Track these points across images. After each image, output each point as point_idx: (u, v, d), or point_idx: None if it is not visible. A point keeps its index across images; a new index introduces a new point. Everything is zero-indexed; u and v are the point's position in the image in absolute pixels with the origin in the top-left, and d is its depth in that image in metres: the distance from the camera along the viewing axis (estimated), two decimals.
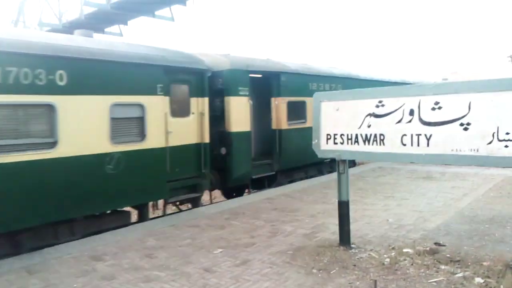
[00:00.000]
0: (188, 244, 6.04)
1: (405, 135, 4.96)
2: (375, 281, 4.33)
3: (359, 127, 5.37)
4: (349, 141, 5.47)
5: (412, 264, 4.91)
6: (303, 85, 11.64)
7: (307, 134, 10.31)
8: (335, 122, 5.60)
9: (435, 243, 5.62)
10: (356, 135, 5.40)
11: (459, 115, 4.54)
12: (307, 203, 8.45)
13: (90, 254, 5.72)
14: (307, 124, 10.81)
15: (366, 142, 5.32)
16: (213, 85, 9.32)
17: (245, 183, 10.60)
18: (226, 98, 9.52)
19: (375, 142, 5.25)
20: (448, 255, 5.15)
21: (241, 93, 9.74)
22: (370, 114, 5.30)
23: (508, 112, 4.25)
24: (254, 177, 10.26)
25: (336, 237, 5.85)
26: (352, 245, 5.60)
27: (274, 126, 10.83)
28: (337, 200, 5.79)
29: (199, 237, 6.34)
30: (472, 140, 4.43)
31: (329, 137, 5.67)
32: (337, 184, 5.72)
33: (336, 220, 5.92)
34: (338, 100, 5.65)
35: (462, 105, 4.51)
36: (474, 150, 4.43)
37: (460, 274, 4.58)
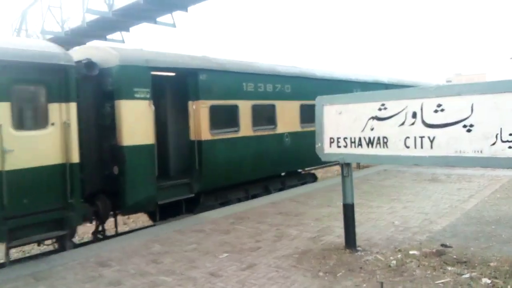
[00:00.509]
0: (194, 249, 6.05)
1: (408, 137, 4.97)
2: (382, 283, 4.33)
3: (362, 130, 5.38)
4: (353, 144, 5.49)
5: (418, 266, 4.90)
6: (234, 85, 9.54)
7: (241, 145, 9.47)
8: (338, 126, 5.62)
9: (442, 245, 5.61)
10: (360, 138, 5.41)
11: (462, 117, 4.54)
12: (312, 207, 8.45)
13: (96, 260, 5.75)
14: (241, 133, 9.54)
15: (370, 145, 5.33)
16: (102, 87, 7.59)
17: (148, 210, 8.57)
18: (117, 103, 7.44)
19: (378, 145, 5.26)
20: (454, 257, 5.13)
21: (137, 95, 7.61)
22: (373, 117, 5.31)
23: (511, 113, 4.25)
24: (161, 202, 8.06)
25: (341, 240, 5.85)
26: (358, 248, 5.60)
27: (192, 137, 8.68)
28: (342, 203, 5.80)
29: (204, 242, 6.35)
30: (476, 142, 4.43)
31: (332, 140, 5.69)
32: (342, 187, 5.73)
33: (341, 223, 5.92)
34: (341, 104, 5.67)
35: (464, 107, 4.52)
36: (478, 151, 4.43)
37: (467, 275, 4.57)
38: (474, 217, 7.05)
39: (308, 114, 9.27)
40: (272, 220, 7.49)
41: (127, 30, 17.36)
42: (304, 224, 7.11)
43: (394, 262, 5.07)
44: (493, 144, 4.33)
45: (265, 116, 10.49)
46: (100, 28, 16.55)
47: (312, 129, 7.95)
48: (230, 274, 5.01)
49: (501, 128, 4.29)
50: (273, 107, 10.54)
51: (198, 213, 8.47)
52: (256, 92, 10.12)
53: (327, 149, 5.72)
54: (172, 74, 8.89)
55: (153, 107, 7.84)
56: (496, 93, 4.35)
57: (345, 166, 5.64)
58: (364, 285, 4.49)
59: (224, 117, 9.38)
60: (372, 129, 5.28)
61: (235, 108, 9.50)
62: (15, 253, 7.84)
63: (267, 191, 10.68)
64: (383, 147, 5.18)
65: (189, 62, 8.83)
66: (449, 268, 4.79)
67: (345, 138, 5.53)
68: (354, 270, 4.91)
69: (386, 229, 6.56)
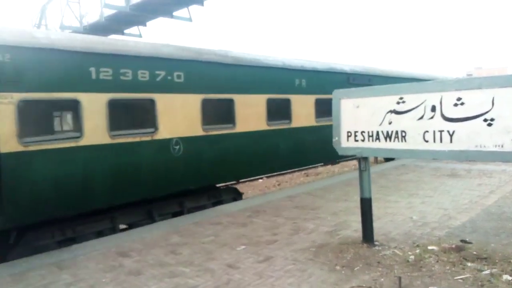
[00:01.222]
0: (211, 241, 6.14)
1: (427, 131, 4.92)
2: (400, 277, 4.32)
3: (380, 124, 5.35)
4: (370, 138, 5.46)
5: (437, 261, 4.87)
6: (67, 70, 6.44)
7: (78, 157, 6.37)
8: (356, 119, 5.59)
9: (461, 241, 5.55)
10: (377, 132, 5.38)
11: (483, 111, 4.47)
12: (328, 201, 8.45)
13: (116, 250, 5.89)
14: (83, 142, 6.51)
15: (388, 139, 5.30)
16: None
17: None
18: None
19: (396, 139, 5.22)
20: (474, 252, 5.08)
21: None
22: (391, 111, 5.27)
23: None
24: None
25: (359, 234, 5.85)
26: (376, 243, 5.59)
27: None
28: (359, 198, 5.79)
29: (222, 234, 6.43)
30: (497, 136, 4.36)
31: (349, 134, 5.67)
32: (359, 181, 5.72)
33: (358, 218, 5.92)
34: (358, 97, 5.64)
35: (485, 101, 4.45)
36: (499, 146, 4.36)
37: (487, 271, 4.52)
38: (494, 213, 6.94)
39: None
40: (289, 214, 7.52)
41: (144, 24, 17.54)
42: (321, 218, 7.12)
43: (412, 257, 5.05)
44: None
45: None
46: (118, 22, 16.77)
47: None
48: (247, 266, 5.07)
49: None
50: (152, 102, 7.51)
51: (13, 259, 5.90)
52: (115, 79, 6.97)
53: (344, 143, 5.70)
54: None
55: None
56: None
57: (363, 160, 5.62)
58: (382, 279, 4.49)
59: (48, 117, 6.89)
60: (390, 123, 5.24)
61: (75, 104, 6.53)
62: None
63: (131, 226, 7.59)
64: (401, 141, 5.14)
65: None
66: (469, 264, 4.74)
67: (362, 132, 5.51)
68: (371, 264, 4.91)
69: (404, 224, 6.52)
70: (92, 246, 6.17)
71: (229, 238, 6.21)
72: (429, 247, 5.30)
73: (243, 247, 5.79)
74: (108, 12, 15.86)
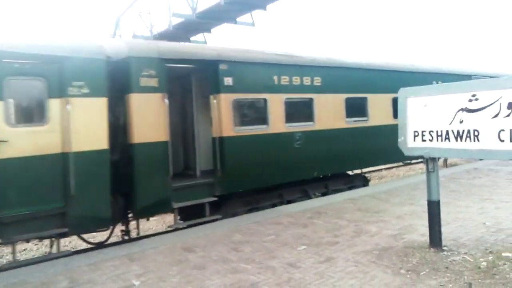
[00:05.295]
0: (272, 240, 6.20)
1: (503, 130, 4.60)
2: (470, 284, 4.08)
3: (450, 123, 5.10)
4: (439, 138, 5.22)
5: None
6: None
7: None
8: (423, 119, 5.38)
9: None
10: (447, 132, 5.13)
11: None
12: (393, 205, 8.16)
13: (182, 245, 6.16)
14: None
15: (458, 139, 5.03)
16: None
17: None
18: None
19: (468, 139, 4.94)
20: None
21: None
22: (462, 109, 5.01)
23: None
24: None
25: (425, 239, 5.60)
26: (444, 248, 5.31)
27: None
28: (426, 201, 5.54)
29: (283, 234, 6.46)
30: None
31: (416, 134, 5.46)
32: (427, 183, 5.48)
33: (425, 222, 5.67)
34: (426, 95, 5.42)
35: None
36: None
37: None
38: None
39: None
40: (351, 216, 7.38)
41: (209, 31, 18.14)
42: (385, 221, 6.90)
43: (485, 263, 4.73)
44: None
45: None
46: (185, 30, 17.49)
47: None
48: (308, 266, 5.06)
49: None
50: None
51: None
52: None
53: (411, 143, 5.51)
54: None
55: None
56: None
57: (430, 161, 5.38)
58: (450, 285, 4.27)
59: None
60: (461, 122, 4.97)
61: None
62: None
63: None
64: (474, 140, 4.86)
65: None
66: None
67: (430, 132, 5.28)
68: (439, 269, 4.68)
69: (475, 230, 6.12)
70: (160, 241, 6.51)
71: (290, 238, 6.23)
72: (504, 254, 4.94)
73: (303, 247, 5.78)
74: (176, 20, 16.63)
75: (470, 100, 4.93)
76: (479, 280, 4.31)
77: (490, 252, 5.10)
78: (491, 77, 13.76)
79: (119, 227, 7.96)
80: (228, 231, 6.85)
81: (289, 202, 9.23)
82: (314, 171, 9.60)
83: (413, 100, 5.53)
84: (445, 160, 15.31)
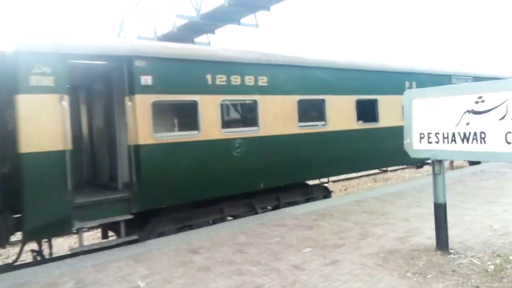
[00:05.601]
0: (277, 242, 6.18)
1: (509, 132, 4.55)
2: (478, 287, 4.04)
3: (457, 125, 5.06)
4: (445, 140, 5.18)
5: None
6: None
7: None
8: (429, 120, 5.34)
9: None
10: (453, 134, 5.09)
11: None
12: (399, 207, 8.11)
13: (187, 247, 6.15)
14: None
15: (465, 141, 4.99)
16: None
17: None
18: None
19: (475, 141, 4.90)
20: None
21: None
22: (468, 111, 4.97)
23: None
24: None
25: (432, 241, 5.55)
26: (451, 251, 5.27)
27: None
28: (432, 204, 5.50)
29: (288, 236, 6.44)
30: None
31: (422, 136, 5.43)
32: (433, 186, 5.44)
33: (431, 225, 5.62)
34: (432, 97, 5.39)
35: None
36: None
37: None
38: None
39: None
40: (357, 218, 7.34)
41: (212, 32, 18.18)
42: (391, 224, 6.86)
43: (492, 267, 4.69)
44: None
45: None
46: (189, 32, 17.54)
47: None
48: (314, 268, 5.04)
49: None
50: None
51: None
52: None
53: (417, 145, 5.47)
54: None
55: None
56: None
57: (437, 163, 5.35)
58: None
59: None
60: (467, 124, 4.94)
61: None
62: None
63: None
64: (480, 142, 4.82)
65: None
66: None
67: (436, 134, 5.25)
68: (446, 272, 4.64)
69: (482, 233, 6.07)
70: (164, 242, 6.51)
71: (295, 240, 6.21)
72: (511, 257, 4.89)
73: (309, 249, 5.76)
74: (180, 22, 16.68)
75: (477, 102, 4.89)
76: (487, 284, 4.27)
77: (498, 255, 5.05)
78: (474, 77, 13.68)
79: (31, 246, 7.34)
80: (232, 232, 6.84)
81: (234, 217, 8.35)
82: (259, 183, 8.34)
83: (419, 101, 5.50)
84: (451, 162, 15.23)
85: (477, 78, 13.32)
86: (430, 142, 5.33)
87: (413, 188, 10.13)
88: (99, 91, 8.43)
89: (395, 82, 11.15)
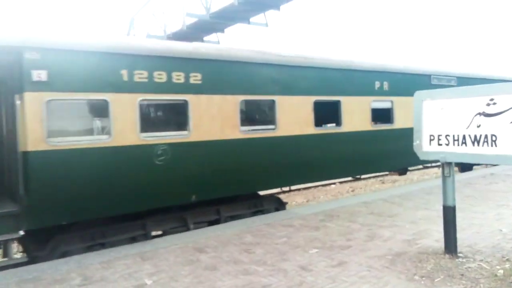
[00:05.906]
0: (284, 242, 6.16)
1: None
2: None
3: (467, 127, 5.00)
4: (456, 142, 5.13)
5: None
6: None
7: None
8: (439, 122, 5.29)
9: None
10: (464, 136, 5.04)
11: None
12: (406, 209, 8.05)
13: (193, 246, 6.16)
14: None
15: (476, 143, 4.94)
16: None
17: None
18: None
19: (485, 143, 4.84)
20: None
21: None
22: (479, 113, 4.91)
23: None
24: None
25: (440, 244, 5.50)
26: (459, 254, 5.21)
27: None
28: (441, 206, 5.45)
29: (294, 237, 6.42)
30: None
31: (432, 138, 5.38)
32: (442, 188, 5.38)
33: (440, 228, 5.58)
34: (443, 99, 5.33)
35: None
36: None
37: None
38: None
39: None
40: (364, 220, 7.30)
41: (222, 31, 18.20)
42: (399, 226, 6.81)
43: (501, 271, 4.63)
44: None
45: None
46: (198, 30, 17.60)
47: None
48: (320, 269, 5.02)
49: None
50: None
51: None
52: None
53: (426, 147, 5.42)
54: None
55: None
56: None
57: (446, 166, 5.29)
58: None
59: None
60: (478, 126, 4.88)
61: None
62: None
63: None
64: (491, 145, 4.76)
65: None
66: None
67: (447, 136, 5.20)
68: (454, 276, 4.59)
69: (491, 236, 6.00)
70: (171, 241, 6.52)
71: (302, 241, 6.19)
72: None
73: (315, 250, 5.74)
74: (190, 20, 16.72)
75: (488, 104, 4.83)
76: None
77: (507, 259, 4.99)
78: (458, 77, 12.68)
79: None
80: (239, 232, 6.83)
81: (163, 234, 7.41)
82: (191, 195, 7.30)
83: (429, 103, 5.44)
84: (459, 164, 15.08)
85: (461, 79, 12.52)
86: (440, 144, 5.28)
87: (421, 190, 10.04)
88: None
89: (363, 81, 10.12)
